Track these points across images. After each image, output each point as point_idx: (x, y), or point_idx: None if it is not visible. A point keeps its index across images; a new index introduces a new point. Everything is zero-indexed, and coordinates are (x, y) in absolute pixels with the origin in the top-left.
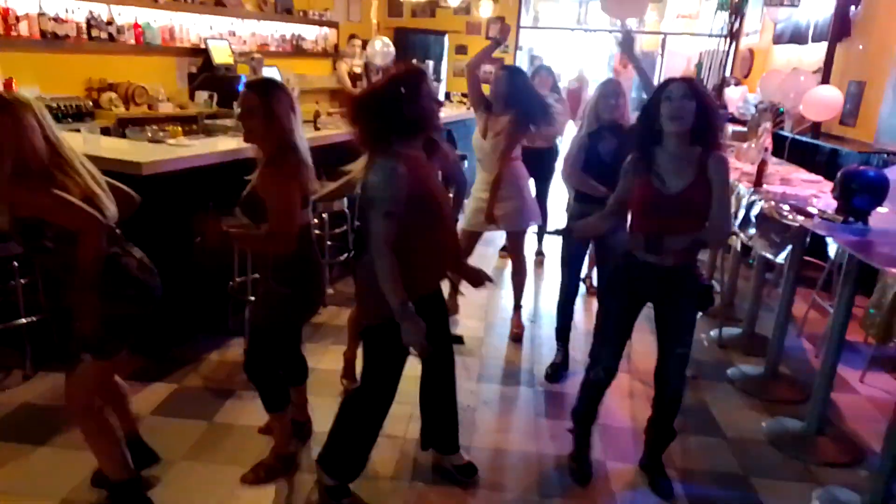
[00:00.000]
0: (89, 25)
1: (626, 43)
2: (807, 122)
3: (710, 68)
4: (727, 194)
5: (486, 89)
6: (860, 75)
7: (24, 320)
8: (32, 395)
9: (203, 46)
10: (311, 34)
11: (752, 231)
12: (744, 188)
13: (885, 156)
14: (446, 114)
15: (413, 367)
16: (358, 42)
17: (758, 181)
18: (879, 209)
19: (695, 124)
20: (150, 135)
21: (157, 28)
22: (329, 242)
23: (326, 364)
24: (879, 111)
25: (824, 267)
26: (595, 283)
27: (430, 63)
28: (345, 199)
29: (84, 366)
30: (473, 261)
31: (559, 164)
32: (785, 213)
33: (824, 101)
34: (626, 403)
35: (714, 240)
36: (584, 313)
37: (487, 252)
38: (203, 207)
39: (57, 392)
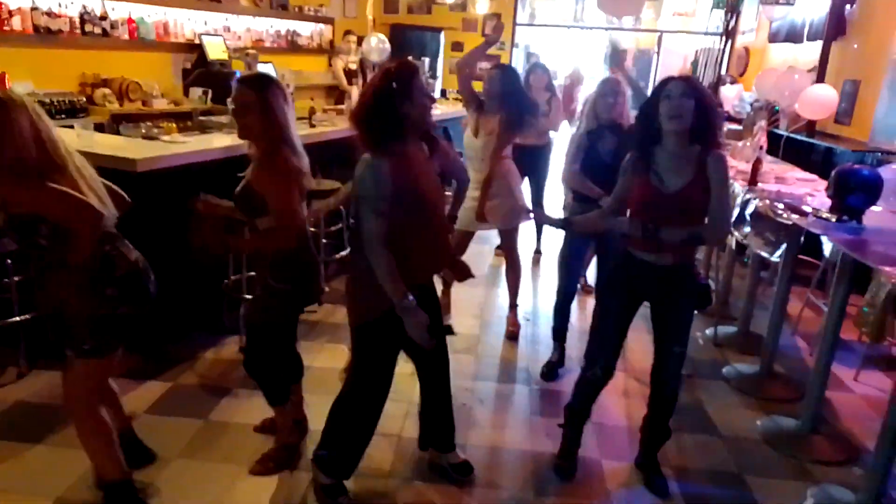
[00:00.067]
0: (83, 20)
1: (614, 58)
2: (802, 121)
3: (706, 66)
4: (727, 193)
5: (480, 86)
6: (855, 74)
7: (18, 318)
8: (27, 393)
9: (197, 42)
10: (307, 30)
11: (747, 229)
12: (739, 186)
13: (880, 154)
14: (442, 111)
15: (408, 365)
16: (353, 38)
17: (753, 179)
18: (873, 208)
19: (694, 123)
20: (144, 131)
21: (152, 23)
22: (324, 240)
23: (322, 362)
24: (874, 110)
25: (819, 265)
26: (591, 282)
27: (427, 60)
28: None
29: (78, 364)
30: (468, 259)
31: (554, 162)
32: (779, 212)
33: (820, 100)
34: (622, 402)
35: (713, 238)
36: (579, 312)
37: (483, 250)
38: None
39: (52, 390)
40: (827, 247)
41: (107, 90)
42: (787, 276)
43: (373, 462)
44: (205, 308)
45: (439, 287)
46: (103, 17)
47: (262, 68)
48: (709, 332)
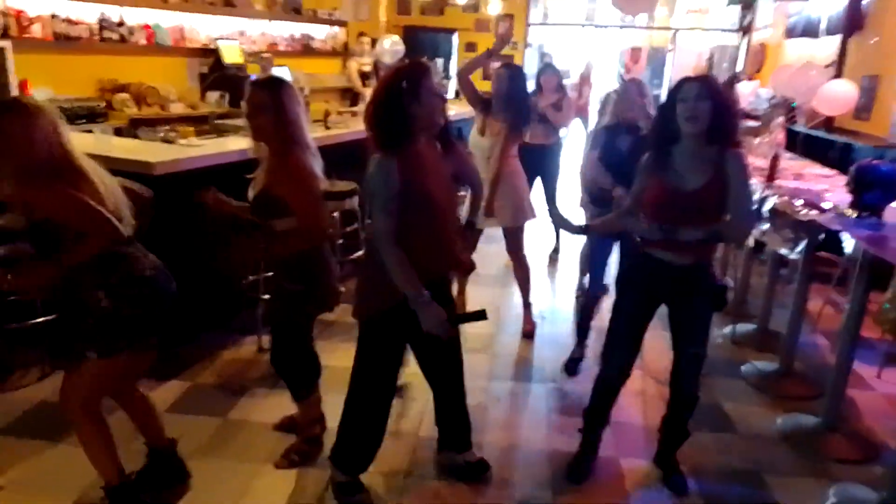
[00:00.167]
0: (101, 27)
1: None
2: (820, 117)
3: (721, 64)
4: (747, 191)
5: (487, 86)
6: (874, 69)
7: (41, 319)
8: (49, 393)
9: (213, 47)
10: (321, 33)
11: (765, 227)
12: (757, 183)
13: None
14: (456, 111)
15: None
16: (367, 40)
17: (770, 176)
18: (893, 204)
19: (711, 123)
20: (161, 135)
21: (167, 29)
22: (340, 241)
23: (337, 361)
24: (894, 105)
25: (838, 262)
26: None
27: (440, 61)
28: (356, 198)
29: (87, 365)
30: (480, 258)
31: (564, 162)
32: (798, 208)
33: (839, 96)
34: (640, 401)
35: (735, 236)
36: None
37: (496, 250)
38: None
39: None
40: (848, 244)
41: (125, 95)
42: (807, 273)
43: (390, 460)
44: (222, 308)
45: (453, 287)
46: (121, 24)
47: (277, 72)
48: (727, 330)
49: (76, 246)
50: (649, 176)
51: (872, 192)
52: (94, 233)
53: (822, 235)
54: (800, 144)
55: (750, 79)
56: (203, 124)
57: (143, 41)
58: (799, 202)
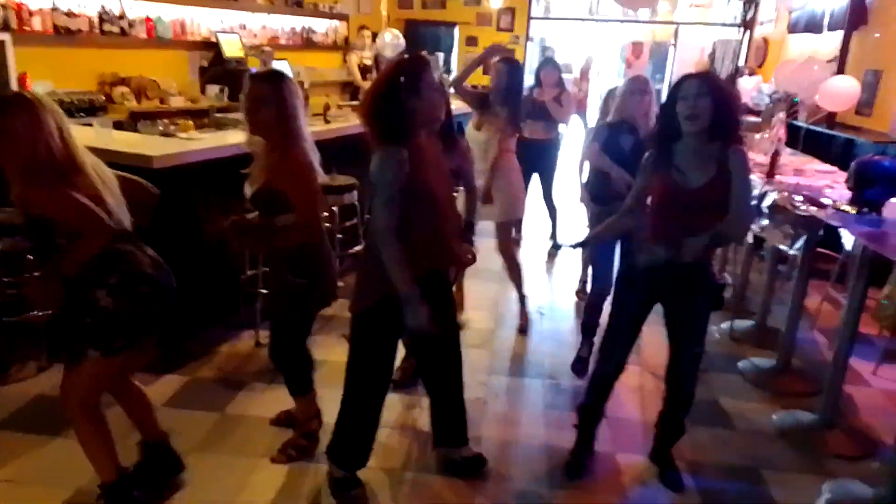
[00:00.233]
0: (101, 20)
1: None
2: (821, 113)
3: (723, 58)
4: (747, 188)
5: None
6: (876, 64)
7: (39, 313)
8: (47, 387)
9: (214, 40)
10: (322, 27)
11: (765, 222)
12: (757, 179)
13: None
14: (456, 106)
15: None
16: (368, 34)
17: (771, 172)
18: (893, 200)
19: (713, 120)
20: (161, 128)
21: (168, 22)
22: (340, 235)
23: (335, 356)
24: None
25: (837, 259)
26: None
27: (441, 55)
28: (355, 192)
29: (92, 362)
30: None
31: (562, 158)
32: (798, 204)
33: (841, 92)
34: (636, 396)
35: (735, 233)
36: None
37: (492, 245)
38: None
39: None
40: (848, 240)
41: (125, 88)
42: (806, 269)
43: (386, 455)
44: (220, 303)
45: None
46: (121, 17)
47: (278, 65)
48: (725, 325)
49: (73, 248)
50: (652, 174)
51: (874, 189)
52: (90, 234)
53: (821, 232)
54: (801, 140)
55: (752, 74)
56: (203, 118)
57: (143, 34)
58: (799, 198)
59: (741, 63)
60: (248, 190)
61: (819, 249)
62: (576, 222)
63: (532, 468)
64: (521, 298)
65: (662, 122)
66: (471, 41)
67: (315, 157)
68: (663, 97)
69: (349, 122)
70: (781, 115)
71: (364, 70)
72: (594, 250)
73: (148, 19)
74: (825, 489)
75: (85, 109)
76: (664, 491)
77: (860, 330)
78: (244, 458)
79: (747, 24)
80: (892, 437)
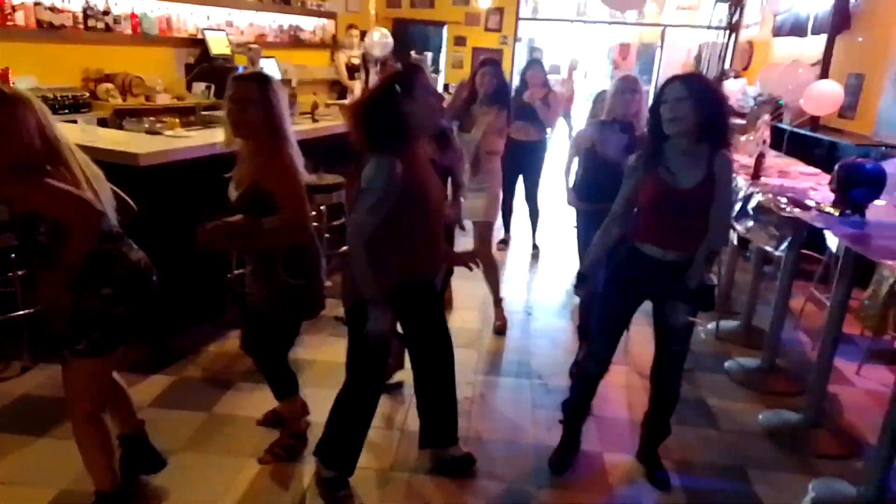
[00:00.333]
0: (86, 15)
1: None
2: (806, 115)
3: (709, 61)
4: (730, 198)
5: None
6: (859, 68)
7: (22, 312)
8: (31, 387)
9: (200, 37)
10: (310, 25)
11: (751, 224)
12: (742, 181)
13: (884, 149)
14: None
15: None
16: (356, 33)
17: (756, 174)
18: (877, 202)
19: (698, 122)
20: (147, 126)
21: (154, 18)
22: (327, 235)
23: (323, 356)
24: (879, 104)
25: (822, 260)
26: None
27: (429, 54)
28: (343, 191)
29: (76, 364)
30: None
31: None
32: (782, 206)
33: (825, 96)
34: (623, 395)
35: (720, 245)
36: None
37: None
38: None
39: (56, 383)
40: (832, 241)
41: (110, 85)
42: (790, 270)
43: (375, 455)
44: (208, 302)
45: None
46: (106, 12)
47: (265, 63)
48: (711, 326)
49: (67, 244)
50: (643, 174)
51: (857, 190)
52: (79, 225)
53: (805, 233)
54: (785, 142)
55: (737, 76)
56: (189, 115)
57: (128, 30)
58: (784, 200)
59: (727, 66)
60: (233, 193)
61: (803, 251)
62: (557, 225)
63: (520, 467)
64: (497, 301)
65: (651, 124)
66: (459, 41)
67: (300, 160)
68: (650, 99)
69: (337, 120)
70: (766, 117)
71: (352, 69)
72: (583, 250)
73: (133, 15)
74: (811, 488)
75: (69, 106)
76: (651, 490)
77: (844, 330)
78: (231, 458)
79: (733, 27)
80: (876, 436)
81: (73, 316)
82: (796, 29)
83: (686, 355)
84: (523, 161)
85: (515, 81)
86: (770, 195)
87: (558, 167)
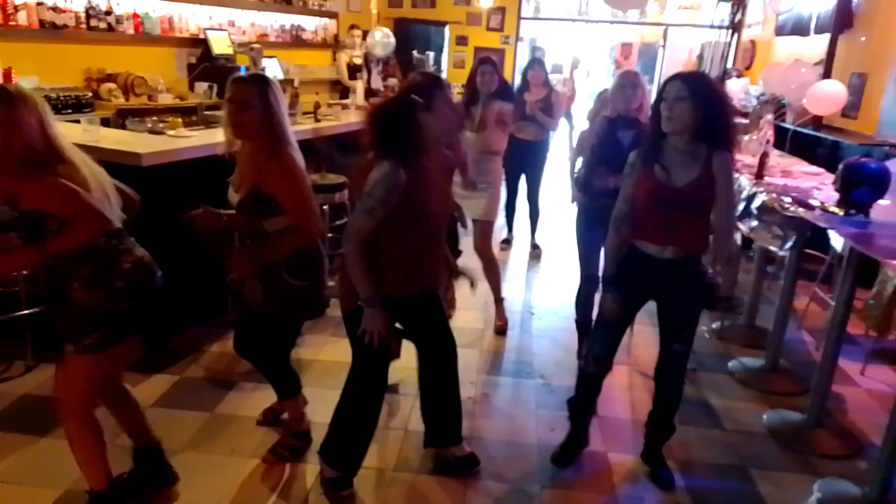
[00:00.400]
0: (88, 15)
1: None
2: (808, 115)
3: (711, 60)
4: (732, 199)
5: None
6: (862, 67)
7: (25, 311)
8: (34, 386)
9: (202, 37)
10: (311, 24)
11: (754, 223)
12: (745, 180)
13: (887, 148)
14: None
15: (415, 360)
16: (358, 32)
17: (759, 173)
18: (880, 202)
19: (697, 121)
20: (149, 126)
21: (156, 18)
22: (330, 235)
23: (326, 355)
24: (881, 103)
25: (825, 259)
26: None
27: (431, 54)
28: (346, 191)
29: (78, 361)
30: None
31: (551, 159)
32: (786, 206)
33: (828, 96)
34: (627, 395)
35: (724, 249)
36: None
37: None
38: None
39: None
40: (836, 241)
41: (112, 85)
42: (794, 270)
43: (378, 455)
44: (209, 302)
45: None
46: (108, 12)
47: (267, 63)
48: (714, 325)
49: (62, 233)
50: (640, 171)
51: (860, 190)
52: (80, 220)
53: (809, 233)
54: (788, 142)
55: (739, 76)
56: (191, 115)
57: (131, 30)
58: (788, 199)
59: (729, 65)
60: (234, 197)
61: (807, 250)
62: (557, 225)
63: (523, 467)
64: (498, 301)
65: (652, 120)
66: (461, 40)
67: (301, 161)
68: (652, 98)
69: (339, 120)
70: (769, 116)
71: (353, 69)
72: (581, 244)
73: (135, 15)
74: (816, 489)
75: (72, 106)
76: (655, 490)
77: (848, 330)
78: (234, 458)
79: (735, 27)
80: (880, 436)
81: (84, 310)
82: (799, 28)
83: (689, 355)
84: (526, 160)
85: (517, 81)
86: (774, 195)
87: (560, 166)
